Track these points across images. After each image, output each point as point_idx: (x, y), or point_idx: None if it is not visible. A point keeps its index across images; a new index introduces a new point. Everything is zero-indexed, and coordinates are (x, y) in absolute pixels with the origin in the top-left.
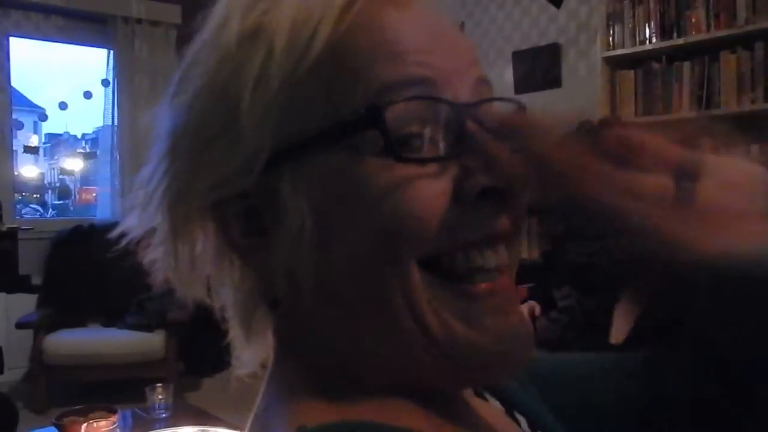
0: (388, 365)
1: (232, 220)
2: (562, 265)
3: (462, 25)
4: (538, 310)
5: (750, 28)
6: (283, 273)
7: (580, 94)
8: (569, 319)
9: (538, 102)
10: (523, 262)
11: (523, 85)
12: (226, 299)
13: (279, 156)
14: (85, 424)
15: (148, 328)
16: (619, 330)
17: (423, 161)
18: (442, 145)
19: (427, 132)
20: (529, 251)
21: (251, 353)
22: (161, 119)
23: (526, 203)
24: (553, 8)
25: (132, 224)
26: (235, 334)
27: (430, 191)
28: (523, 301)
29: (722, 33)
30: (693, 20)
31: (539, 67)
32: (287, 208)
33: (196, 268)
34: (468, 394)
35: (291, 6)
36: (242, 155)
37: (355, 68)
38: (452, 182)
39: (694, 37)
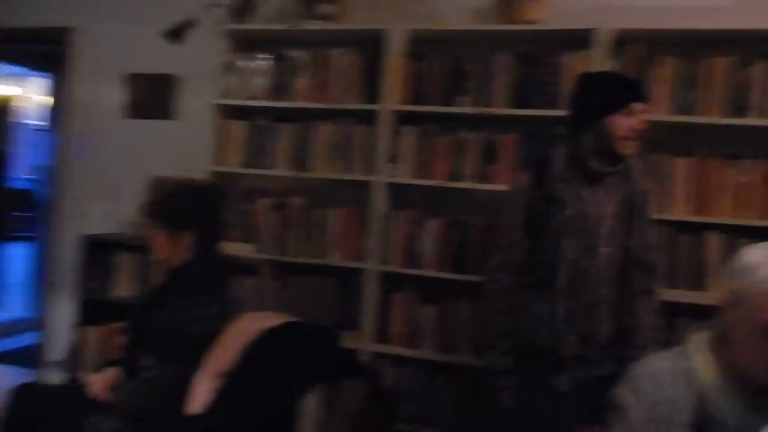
0: None
1: None
2: (147, 332)
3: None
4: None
5: (344, 106)
6: None
7: (193, 131)
8: (148, 391)
9: (147, 131)
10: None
11: (134, 110)
12: None
13: None
14: None
15: None
16: (195, 401)
17: None
18: None
19: None
20: None
21: None
22: None
23: None
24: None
25: None
26: None
27: None
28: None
29: (319, 105)
30: (298, 88)
31: (153, 94)
32: None
33: None
34: None
35: None
36: None
37: None
38: None
39: (297, 103)
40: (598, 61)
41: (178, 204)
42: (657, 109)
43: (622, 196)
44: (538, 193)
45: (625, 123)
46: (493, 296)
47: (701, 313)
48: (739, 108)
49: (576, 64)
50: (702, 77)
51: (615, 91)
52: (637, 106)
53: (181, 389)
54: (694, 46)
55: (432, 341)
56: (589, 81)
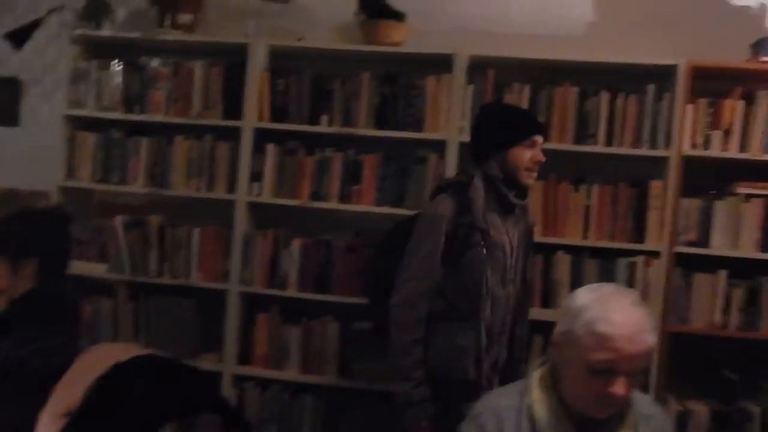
0: None
1: None
2: None
3: None
4: None
5: (204, 121)
6: None
7: (41, 140)
8: None
9: None
10: None
11: None
12: None
13: None
14: None
15: None
16: None
17: None
18: None
19: None
20: None
21: None
22: None
23: None
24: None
25: None
26: None
27: None
28: None
29: (178, 119)
30: (155, 100)
31: None
32: None
33: None
34: None
35: None
36: None
37: None
38: None
39: (153, 116)
40: (458, 85)
41: (16, 231)
42: None
43: (523, 227)
44: (460, 221)
45: (527, 154)
46: (408, 326)
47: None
48: (586, 135)
49: (437, 87)
50: (551, 105)
51: (518, 123)
52: (538, 138)
53: (23, 429)
54: (545, 74)
55: (296, 362)
56: (491, 113)
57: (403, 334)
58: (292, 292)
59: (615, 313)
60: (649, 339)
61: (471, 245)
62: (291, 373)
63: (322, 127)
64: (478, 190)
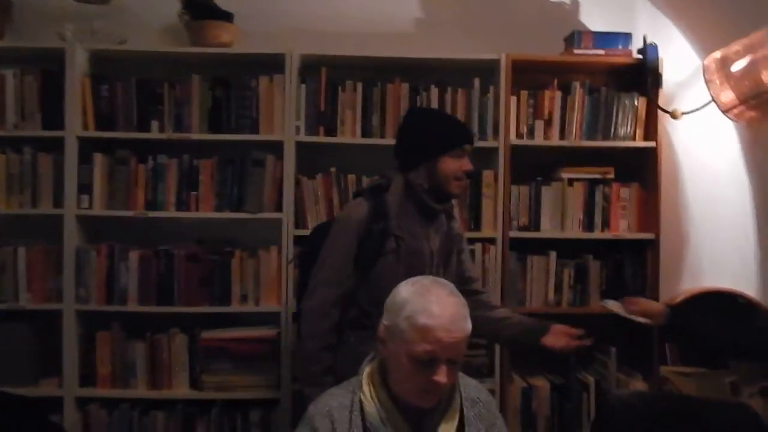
0: None
1: None
2: None
3: None
4: None
5: (22, 133)
6: None
7: None
8: None
9: None
10: None
11: None
12: None
13: None
14: None
15: None
16: None
17: None
18: None
19: None
20: None
21: None
22: None
23: None
24: None
25: None
26: None
27: None
28: None
29: None
30: None
31: None
32: None
33: None
34: None
35: None
36: None
37: None
38: None
39: None
40: (291, 85)
41: None
42: (346, 133)
43: (445, 232)
44: (374, 226)
45: (456, 164)
46: (319, 334)
47: None
48: None
49: (270, 88)
50: (384, 101)
51: (447, 132)
52: (467, 147)
53: None
54: (376, 71)
55: (143, 378)
56: (418, 119)
57: (313, 342)
58: (133, 306)
59: (433, 305)
60: (467, 326)
61: (384, 252)
62: (139, 391)
63: (153, 134)
64: (396, 195)
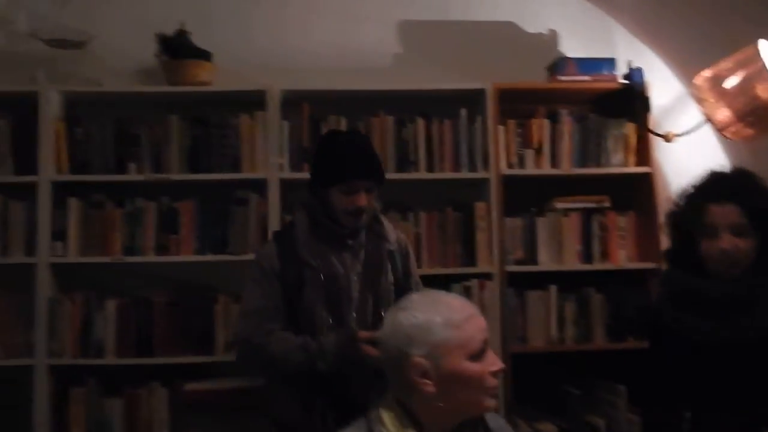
0: None
1: None
2: None
3: None
4: None
5: None
6: None
7: None
8: None
9: None
10: None
11: None
12: None
13: None
14: None
15: None
16: None
17: None
18: None
19: None
20: None
21: None
22: None
23: None
24: None
25: None
26: None
27: None
28: None
29: None
30: None
31: None
32: None
33: None
34: None
35: None
36: None
37: None
38: None
39: None
40: (272, 121)
41: None
42: None
43: (370, 254)
44: (287, 263)
45: (346, 199)
46: (256, 332)
47: None
48: (407, 162)
49: (251, 125)
50: (370, 135)
51: (336, 165)
52: (359, 183)
53: None
54: (359, 105)
55: None
56: (321, 145)
57: (257, 339)
58: (110, 359)
59: (450, 304)
60: None
61: (304, 282)
62: None
63: (131, 176)
64: (301, 225)
